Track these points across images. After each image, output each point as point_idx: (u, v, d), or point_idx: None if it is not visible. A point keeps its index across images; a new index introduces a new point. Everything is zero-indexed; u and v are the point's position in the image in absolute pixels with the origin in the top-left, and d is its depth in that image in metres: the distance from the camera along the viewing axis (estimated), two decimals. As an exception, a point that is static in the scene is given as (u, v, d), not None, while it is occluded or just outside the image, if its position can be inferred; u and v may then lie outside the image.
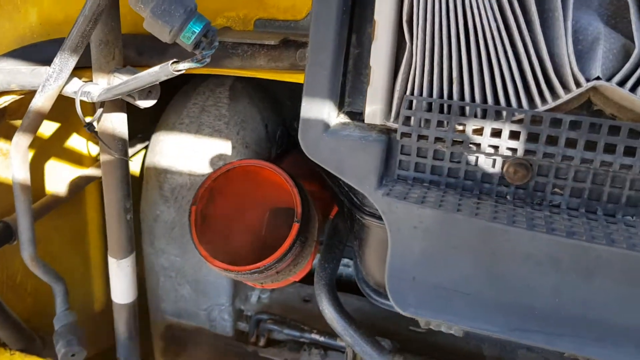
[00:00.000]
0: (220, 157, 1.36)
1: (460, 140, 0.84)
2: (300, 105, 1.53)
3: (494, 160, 0.85)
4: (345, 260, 1.75)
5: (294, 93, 1.53)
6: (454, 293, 0.89)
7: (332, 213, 1.50)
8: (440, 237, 0.87)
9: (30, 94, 1.09)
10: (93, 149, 1.54)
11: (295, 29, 1.09)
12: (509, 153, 0.83)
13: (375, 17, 0.83)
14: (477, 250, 0.86)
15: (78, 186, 1.41)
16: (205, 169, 1.37)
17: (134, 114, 1.13)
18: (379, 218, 1.11)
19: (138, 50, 1.07)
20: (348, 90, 0.94)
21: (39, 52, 1.07)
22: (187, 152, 1.40)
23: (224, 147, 1.37)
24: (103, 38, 0.98)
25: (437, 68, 0.83)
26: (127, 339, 1.32)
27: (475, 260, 0.87)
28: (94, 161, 1.55)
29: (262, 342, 1.51)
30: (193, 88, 1.46)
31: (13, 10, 1.10)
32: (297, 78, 1.09)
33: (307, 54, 0.88)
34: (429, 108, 0.84)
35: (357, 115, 0.93)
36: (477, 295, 0.87)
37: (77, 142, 1.49)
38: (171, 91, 1.48)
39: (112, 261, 1.22)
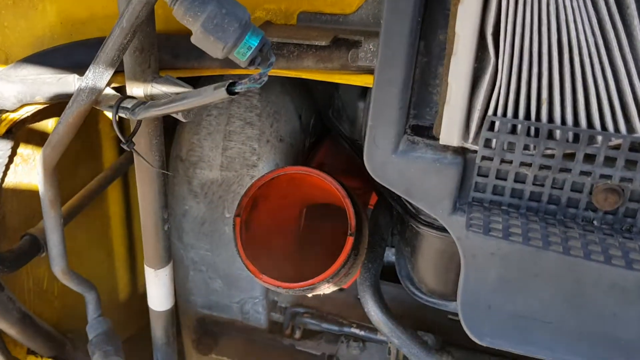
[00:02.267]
0: (253, 151, 1.28)
1: (549, 165, 0.76)
2: (332, 90, 1.44)
3: (582, 185, 0.78)
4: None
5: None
6: (534, 322, 0.84)
7: (370, 202, 1.44)
8: (520, 264, 0.81)
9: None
10: (113, 145, 1.45)
11: (344, 24, 0.99)
12: (602, 179, 0.76)
13: (457, 29, 0.74)
14: (559, 278, 0.81)
15: (101, 186, 1.33)
16: (237, 164, 1.29)
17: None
18: (437, 228, 1.05)
19: (173, 52, 0.98)
20: (413, 102, 0.85)
21: (63, 57, 0.96)
22: (217, 147, 1.31)
23: (257, 140, 1.29)
24: (138, 45, 0.88)
25: (525, 87, 0.75)
26: (164, 345, 1.28)
27: (557, 288, 0.81)
28: (116, 156, 1.46)
29: (297, 334, 1.48)
30: (220, 76, 1.35)
31: (29, 7, 0.99)
32: (347, 79, 1.00)
33: (375, 69, 0.79)
34: (513, 130, 0.77)
35: (424, 130, 0.85)
36: (559, 325, 0.83)
37: (98, 136, 1.40)
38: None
39: (149, 271, 1.16)
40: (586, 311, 0.81)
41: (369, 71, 0.96)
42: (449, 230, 0.83)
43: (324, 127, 1.46)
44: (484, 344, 0.85)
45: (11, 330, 1.18)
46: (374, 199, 1.42)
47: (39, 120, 1.14)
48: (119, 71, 0.93)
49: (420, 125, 0.85)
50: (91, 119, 1.40)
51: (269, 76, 1.30)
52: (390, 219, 1.30)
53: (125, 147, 0.90)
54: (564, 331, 0.82)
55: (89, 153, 1.40)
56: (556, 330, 0.82)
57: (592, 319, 0.81)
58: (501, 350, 1.40)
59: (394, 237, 1.55)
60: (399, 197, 1.11)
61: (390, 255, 1.61)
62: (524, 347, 0.84)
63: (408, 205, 1.07)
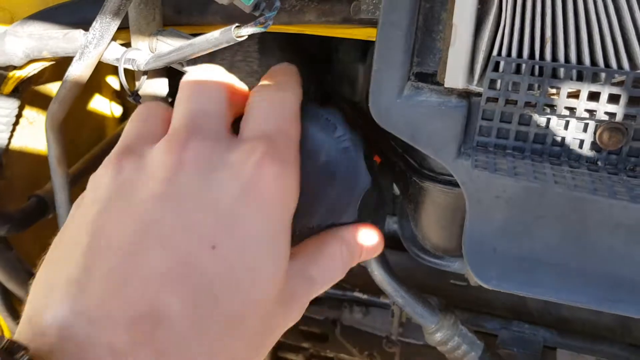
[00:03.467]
0: (256, 116, 1.28)
1: (553, 104, 0.77)
2: (331, 54, 1.44)
3: (586, 125, 0.79)
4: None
5: (324, 44, 1.44)
6: (539, 264, 0.85)
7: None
8: (526, 207, 0.82)
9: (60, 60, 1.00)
10: (116, 110, 1.46)
11: (347, -23, 1.00)
12: (606, 117, 0.77)
13: (461, -30, 0.75)
14: (565, 219, 0.82)
15: (104, 152, 1.33)
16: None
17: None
18: (440, 182, 1.05)
19: (175, 7, 0.98)
20: (417, 50, 0.86)
21: (69, 14, 0.97)
22: (218, 111, 1.31)
23: (259, 105, 1.29)
24: (143, -2, 0.89)
25: (529, 26, 0.75)
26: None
27: (562, 230, 0.82)
28: (118, 123, 1.46)
29: (301, 301, 1.48)
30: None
31: (31, -37, 0.99)
32: (350, 33, 1.00)
33: (379, 12, 0.80)
34: (518, 70, 0.77)
35: (427, 77, 0.85)
36: (564, 266, 0.84)
37: (100, 103, 1.41)
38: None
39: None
40: (591, 252, 0.82)
41: (372, 24, 0.96)
42: (454, 175, 0.84)
43: (324, 94, 1.46)
44: (490, 287, 0.86)
45: (20, 292, 1.18)
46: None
47: (43, 83, 1.15)
48: (123, 27, 0.94)
49: (424, 72, 0.86)
50: (93, 88, 1.40)
51: (268, 41, 1.31)
52: (392, 182, 1.30)
53: (131, 99, 0.90)
54: (569, 272, 0.83)
55: (91, 121, 1.41)
56: (561, 272, 0.83)
57: (597, 260, 0.82)
58: (504, 312, 1.42)
59: (395, 205, 1.56)
60: (403, 153, 1.12)
61: (391, 223, 1.61)
62: (529, 289, 0.85)
63: (411, 160, 1.08)
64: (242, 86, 0.88)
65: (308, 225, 0.88)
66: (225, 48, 1.24)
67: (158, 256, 0.60)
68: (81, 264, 0.59)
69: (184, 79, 0.83)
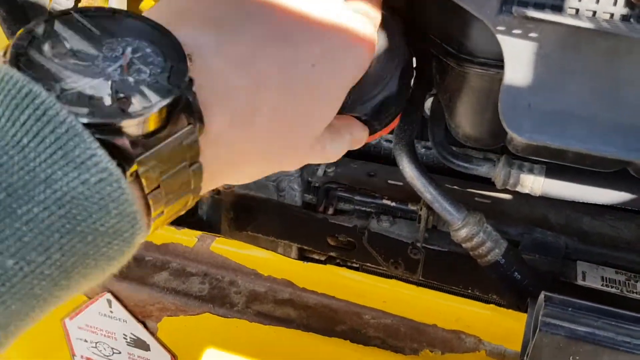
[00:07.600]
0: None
1: (590, -44, 0.83)
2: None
3: (621, -19, 0.85)
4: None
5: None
6: (571, 117, 0.90)
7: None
8: (561, 62, 0.88)
9: None
10: None
11: None
12: (640, -29, 0.82)
13: None
14: (597, 74, 0.87)
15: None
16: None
17: None
18: (477, 64, 1.11)
19: None
20: None
21: None
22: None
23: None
24: None
25: None
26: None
27: (594, 84, 0.88)
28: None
29: (330, 211, 1.54)
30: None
31: None
32: None
33: None
34: None
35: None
36: (595, 119, 0.89)
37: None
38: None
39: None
40: (621, 105, 0.88)
41: None
42: (494, 31, 0.90)
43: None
44: (524, 139, 0.91)
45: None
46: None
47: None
48: None
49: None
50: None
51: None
52: (425, 90, 1.36)
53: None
54: (599, 125, 0.89)
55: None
56: (591, 124, 0.89)
57: (626, 112, 0.88)
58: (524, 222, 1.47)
59: (425, 130, 1.62)
60: (441, 43, 1.17)
61: (419, 148, 1.67)
62: (561, 140, 0.90)
63: (449, 48, 1.13)
64: None
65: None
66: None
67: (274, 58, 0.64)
68: (223, 10, 0.62)
69: None
